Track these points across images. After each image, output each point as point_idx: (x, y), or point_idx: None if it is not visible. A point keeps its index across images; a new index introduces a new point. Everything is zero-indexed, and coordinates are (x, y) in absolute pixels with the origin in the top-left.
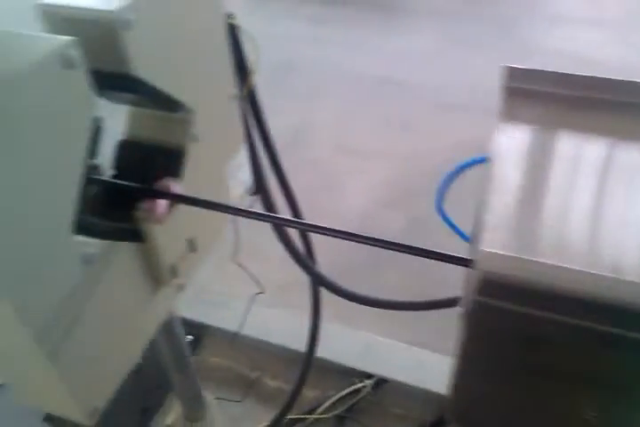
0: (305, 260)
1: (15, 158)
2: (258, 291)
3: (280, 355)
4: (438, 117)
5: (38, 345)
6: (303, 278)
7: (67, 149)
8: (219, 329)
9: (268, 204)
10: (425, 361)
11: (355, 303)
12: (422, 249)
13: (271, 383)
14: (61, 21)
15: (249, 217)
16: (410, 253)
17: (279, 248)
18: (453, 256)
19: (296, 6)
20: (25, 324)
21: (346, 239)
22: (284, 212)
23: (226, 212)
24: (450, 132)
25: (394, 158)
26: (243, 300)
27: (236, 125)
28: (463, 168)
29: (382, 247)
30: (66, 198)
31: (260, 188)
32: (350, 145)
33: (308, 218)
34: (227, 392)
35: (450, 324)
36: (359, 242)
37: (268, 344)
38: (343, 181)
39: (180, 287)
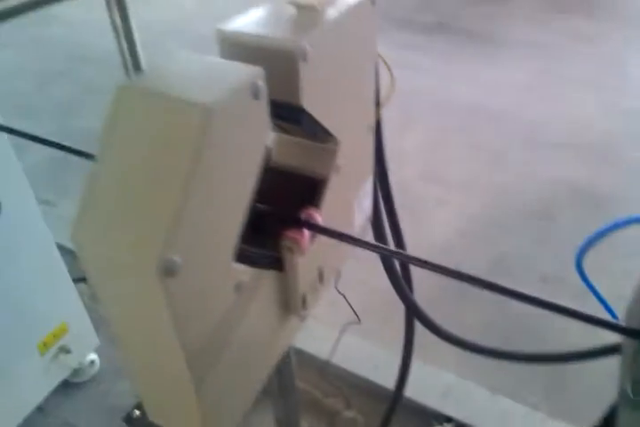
0: (407, 294)
1: (198, 183)
2: (352, 320)
3: (364, 387)
4: (531, 152)
5: (189, 370)
6: (400, 312)
7: (241, 177)
8: (308, 355)
9: (380, 234)
10: (508, 411)
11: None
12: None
13: (348, 414)
14: (240, 48)
15: (374, 250)
16: (547, 309)
17: (378, 278)
18: (612, 325)
19: (391, 33)
20: (182, 347)
21: (462, 280)
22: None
23: (356, 245)
24: (543, 170)
25: (481, 191)
26: (336, 327)
27: (368, 155)
28: (619, 226)
29: (515, 298)
30: (234, 225)
31: (377, 217)
32: (437, 174)
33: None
34: (308, 419)
35: (533, 375)
36: (474, 285)
37: (354, 376)
38: (427, 209)
39: (303, 317)
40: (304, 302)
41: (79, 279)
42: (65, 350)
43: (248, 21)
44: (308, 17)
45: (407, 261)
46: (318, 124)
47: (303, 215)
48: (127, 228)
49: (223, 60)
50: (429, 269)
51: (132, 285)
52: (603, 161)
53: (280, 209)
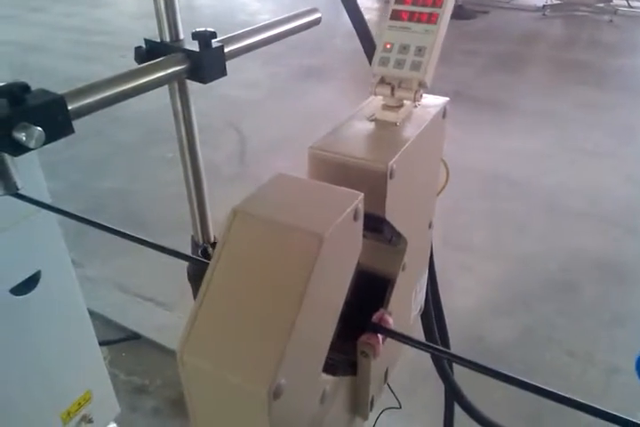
0: (450, 377)
1: (308, 302)
2: (392, 405)
3: None
4: (552, 221)
5: None
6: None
7: (338, 290)
8: None
9: (430, 328)
10: None
11: None
12: None
13: None
14: (331, 166)
15: (425, 350)
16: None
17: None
18: None
19: None
20: None
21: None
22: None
23: (421, 348)
24: (565, 239)
25: (504, 259)
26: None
27: (428, 249)
28: None
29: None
30: (328, 336)
31: (427, 310)
32: (457, 241)
33: None
34: None
35: None
36: (522, 388)
37: None
38: (449, 277)
39: (365, 417)
40: (372, 404)
41: (101, 343)
42: (87, 419)
43: (336, 140)
44: (390, 134)
45: (464, 364)
46: (395, 231)
47: (376, 318)
48: (238, 347)
49: (324, 184)
50: (480, 371)
51: (234, 404)
52: (625, 231)
53: (356, 313)
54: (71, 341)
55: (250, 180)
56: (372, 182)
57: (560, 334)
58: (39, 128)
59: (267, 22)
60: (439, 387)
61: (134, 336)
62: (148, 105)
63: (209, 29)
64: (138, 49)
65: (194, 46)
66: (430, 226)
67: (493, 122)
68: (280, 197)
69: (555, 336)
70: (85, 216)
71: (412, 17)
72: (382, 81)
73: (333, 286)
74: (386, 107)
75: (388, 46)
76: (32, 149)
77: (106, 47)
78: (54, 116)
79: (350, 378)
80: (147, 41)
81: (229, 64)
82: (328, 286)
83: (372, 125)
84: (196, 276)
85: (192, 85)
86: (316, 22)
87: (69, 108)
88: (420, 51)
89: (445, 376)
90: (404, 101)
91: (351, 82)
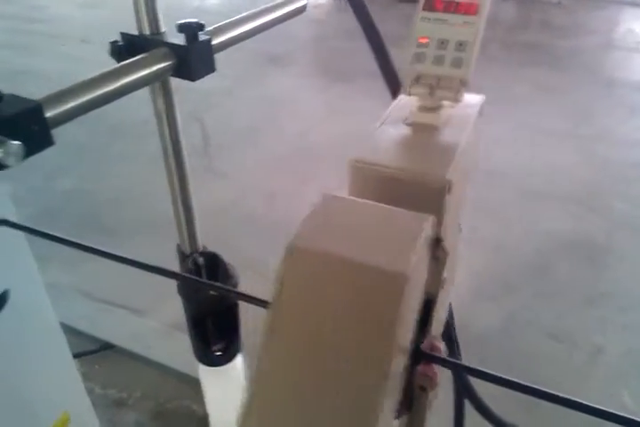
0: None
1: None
2: None
3: None
4: (521, 205)
5: None
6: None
7: (412, 327)
8: None
9: (453, 349)
10: None
11: None
12: None
13: None
14: (376, 180)
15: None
16: None
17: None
18: None
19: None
20: None
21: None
22: None
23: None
24: (536, 222)
25: (481, 246)
26: None
27: (456, 259)
28: None
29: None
30: (400, 381)
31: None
32: None
33: None
34: None
35: None
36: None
37: None
38: None
39: None
40: None
41: (75, 355)
42: None
43: (377, 149)
44: (435, 140)
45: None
46: (444, 248)
47: (426, 347)
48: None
49: (386, 207)
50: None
51: None
52: (590, 211)
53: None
54: (45, 360)
55: (217, 173)
56: (428, 198)
57: (540, 319)
58: (17, 142)
59: (252, 12)
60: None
61: (107, 346)
62: None
63: (194, 21)
64: (114, 44)
65: (176, 39)
66: (460, 230)
67: None
68: (339, 226)
69: (536, 321)
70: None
71: (449, 7)
72: (417, 80)
73: (411, 322)
74: (423, 108)
75: (424, 41)
76: (10, 167)
77: (46, 36)
78: (31, 127)
79: (406, 417)
80: (124, 35)
81: None
82: (409, 324)
83: (410, 131)
84: (188, 289)
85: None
86: (302, 10)
87: (46, 115)
88: (460, 45)
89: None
90: (443, 102)
91: (312, 68)
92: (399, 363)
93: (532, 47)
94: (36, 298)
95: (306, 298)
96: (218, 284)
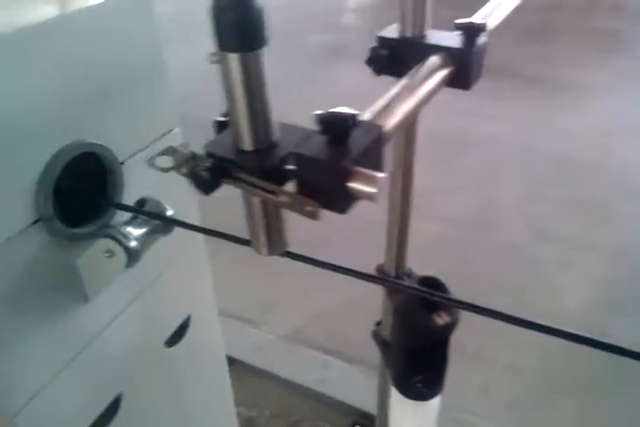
0: None
1: None
2: None
3: None
4: (635, 205)
5: None
6: None
7: None
8: None
9: None
10: None
11: None
12: None
13: None
14: None
15: None
16: None
17: None
18: None
19: None
20: None
21: None
22: None
23: None
24: None
25: (599, 250)
26: None
27: None
28: None
29: None
30: None
31: None
32: (546, 231)
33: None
34: None
35: None
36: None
37: None
38: (549, 273)
39: None
40: None
41: None
42: None
43: None
44: None
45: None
46: None
47: None
48: None
49: None
50: None
51: None
52: None
53: None
54: (209, 391)
55: None
56: None
57: None
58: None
59: None
60: None
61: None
62: None
63: (475, 22)
64: (375, 50)
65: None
66: None
67: (540, 98)
68: None
69: None
70: None
71: None
72: None
73: None
74: None
75: None
76: None
77: None
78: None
79: None
80: (382, 38)
81: None
82: None
83: None
84: (415, 314)
85: None
86: None
87: None
88: None
89: None
90: None
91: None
92: None
93: (609, 34)
94: (212, 323)
95: None
96: None
